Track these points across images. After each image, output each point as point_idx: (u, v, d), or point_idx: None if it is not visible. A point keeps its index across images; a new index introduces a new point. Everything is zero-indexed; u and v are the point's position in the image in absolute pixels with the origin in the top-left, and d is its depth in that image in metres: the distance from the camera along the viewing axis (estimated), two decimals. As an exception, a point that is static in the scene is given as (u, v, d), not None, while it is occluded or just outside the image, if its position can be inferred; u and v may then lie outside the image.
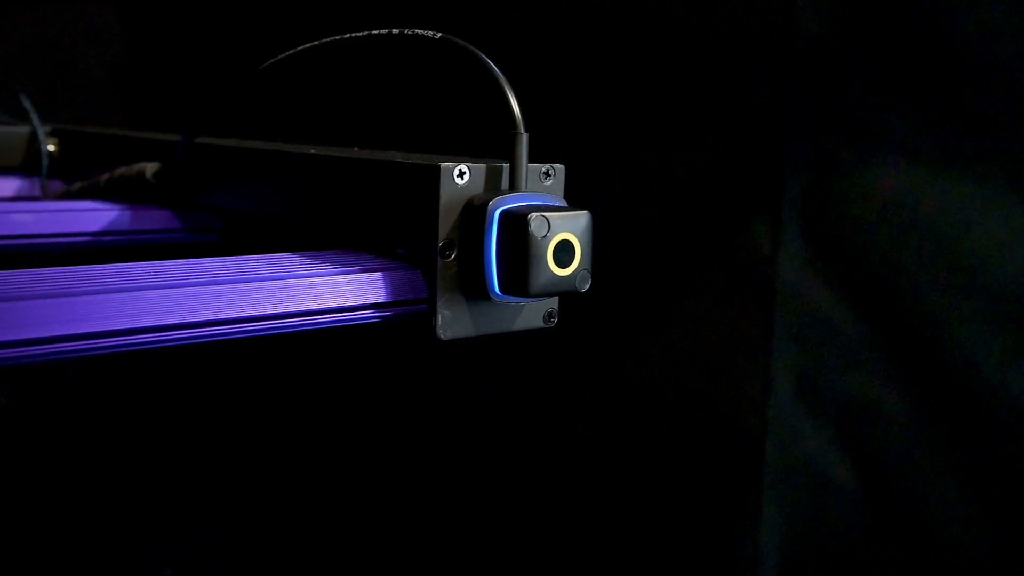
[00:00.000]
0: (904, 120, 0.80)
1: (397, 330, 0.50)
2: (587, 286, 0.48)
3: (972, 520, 0.82)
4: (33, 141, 0.76)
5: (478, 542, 1.08)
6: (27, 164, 0.76)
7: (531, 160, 0.48)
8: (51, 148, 0.75)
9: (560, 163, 0.51)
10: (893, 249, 0.82)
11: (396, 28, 0.50)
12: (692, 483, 0.91)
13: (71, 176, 0.73)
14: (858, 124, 0.81)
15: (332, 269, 0.47)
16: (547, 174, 0.50)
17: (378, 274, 0.47)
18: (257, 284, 0.43)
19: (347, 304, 0.46)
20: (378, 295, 0.47)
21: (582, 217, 0.47)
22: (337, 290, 0.46)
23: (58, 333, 0.38)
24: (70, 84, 1.30)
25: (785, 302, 0.84)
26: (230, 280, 0.43)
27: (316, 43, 0.52)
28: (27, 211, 0.60)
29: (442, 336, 0.48)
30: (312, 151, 0.55)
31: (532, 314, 0.51)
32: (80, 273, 0.42)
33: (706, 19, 0.85)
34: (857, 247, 0.83)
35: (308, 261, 0.48)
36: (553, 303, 0.51)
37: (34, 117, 0.75)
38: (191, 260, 0.45)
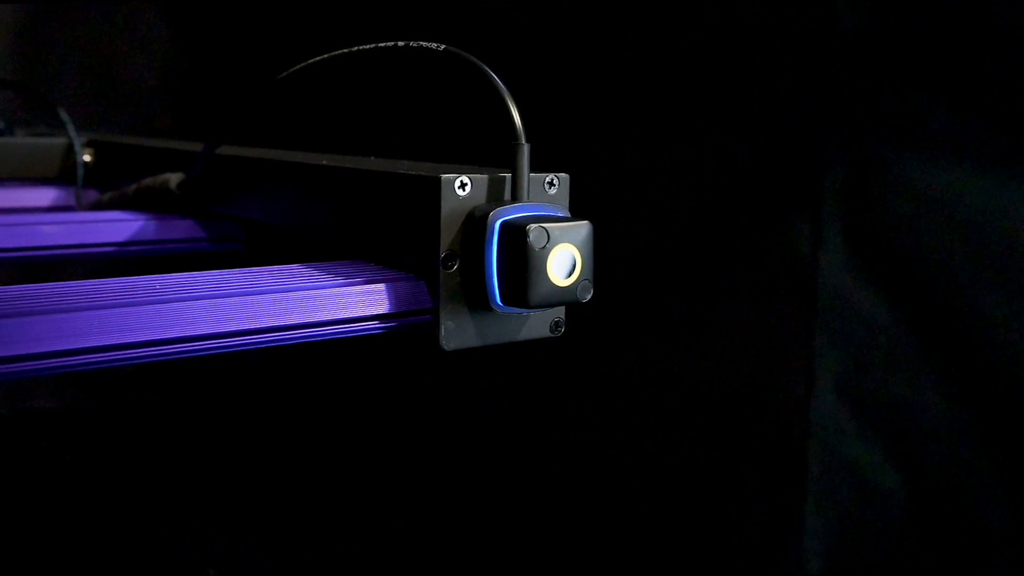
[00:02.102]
0: (946, 117, 0.78)
1: (406, 341, 0.50)
2: (588, 296, 0.47)
3: (1020, 524, 0.80)
4: (69, 152, 0.77)
5: (514, 551, 1.08)
6: (64, 174, 0.78)
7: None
8: (87, 158, 0.77)
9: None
10: (936, 248, 0.80)
11: (402, 41, 0.50)
12: (733, 488, 0.90)
13: (106, 186, 0.74)
14: (899, 121, 0.80)
15: (336, 280, 0.47)
16: (551, 184, 0.50)
17: (382, 285, 0.48)
18: (259, 297, 0.44)
19: (350, 316, 0.47)
20: (382, 306, 0.48)
21: (583, 227, 0.47)
22: (340, 301, 0.46)
23: (56, 348, 0.39)
24: (119, 93, 1.33)
25: (826, 303, 0.84)
26: (231, 294, 0.43)
27: (326, 56, 0.53)
28: (55, 222, 0.61)
29: (445, 347, 0.48)
30: (324, 162, 0.55)
31: (538, 324, 0.50)
32: (83, 288, 0.43)
33: (745, 16, 0.84)
34: (899, 246, 0.82)
35: (313, 272, 0.49)
36: (559, 312, 0.51)
37: (70, 128, 0.76)
38: (192, 273, 0.46)
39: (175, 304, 0.42)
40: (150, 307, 0.41)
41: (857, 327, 0.83)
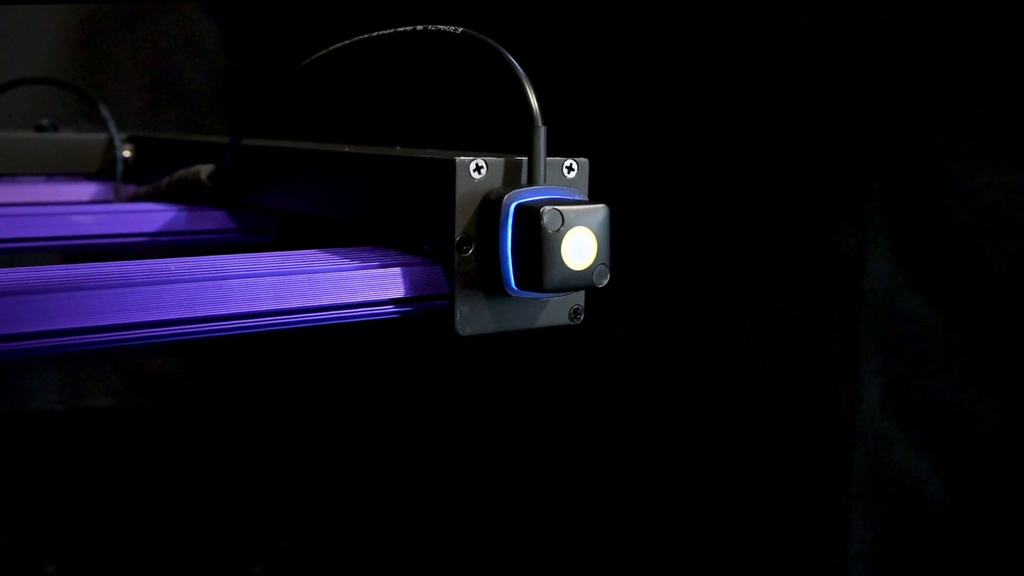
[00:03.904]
0: (995, 118, 0.77)
1: (425, 326, 0.50)
2: (605, 281, 0.47)
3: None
4: (110, 148, 0.79)
5: (550, 551, 1.07)
6: (105, 169, 0.79)
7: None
8: (127, 154, 0.78)
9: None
10: (984, 250, 0.79)
11: (420, 25, 0.50)
12: (777, 495, 0.89)
13: (145, 180, 0.75)
14: (948, 122, 0.79)
15: (350, 264, 0.47)
16: (570, 168, 0.49)
17: (397, 269, 0.48)
18: (259, 280, 0.44)
19: (364, 299, 0.47)
20: (397, 290, 0.47)
21: (599, 211, 0.46)
22: (353, 285, 0.46)
23: (85, 324, 0.40)
24: (172, 94, 1.35)
25: (873, 306, 0.82)
26: (231, 276, 0.43)
27: (346, 42, 0.53)
28: (88, 213, 0.62)
29: (460, 332, 0.47)
30: (346, 149, 0.55)
31: (556, 311, 0.50)
32: (110, 269, 0.43)
33: (791, 17, 0.84)
34: (947, 248, 0.81)
35: (328, 257, 0.49)
36: (579, 299, 0.50)
37: (111, 125, 0.78)
38: (205, 257, 0.46)
39: (190, 285, 0.42)
40: (180, 286, 0.41)
41: (904, 331, 0.82)
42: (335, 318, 0.46)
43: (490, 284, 0.47)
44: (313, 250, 0.50)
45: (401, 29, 0.51)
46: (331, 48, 0.53)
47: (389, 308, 0.47)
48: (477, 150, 0.50)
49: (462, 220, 0.47)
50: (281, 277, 0.44)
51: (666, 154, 0.93)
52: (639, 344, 0.98)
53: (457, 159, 0.46)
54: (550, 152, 0.48)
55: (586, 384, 1.04)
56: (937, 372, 0.83)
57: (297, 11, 1.27)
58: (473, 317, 0.48)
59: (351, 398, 1.33)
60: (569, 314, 0.50)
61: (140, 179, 0.77)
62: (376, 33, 0.52)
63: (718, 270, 0.91)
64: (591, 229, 0.46)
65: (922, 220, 0.81)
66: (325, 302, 0.45)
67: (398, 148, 0.57)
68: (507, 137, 0.51)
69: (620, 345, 1.00)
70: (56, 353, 0.40)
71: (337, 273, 0.46)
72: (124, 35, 1.34)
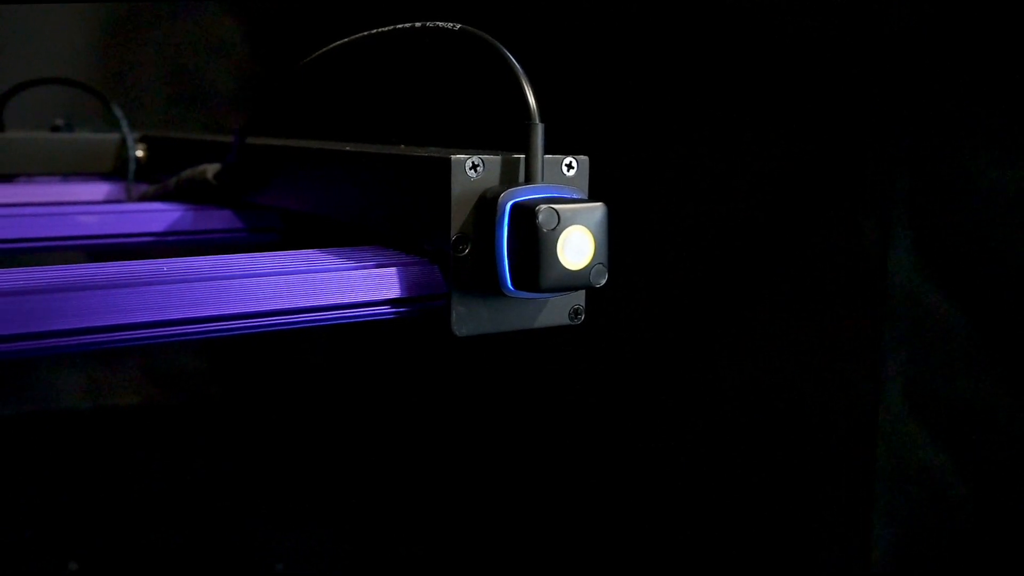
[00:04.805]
0: (1018, 116, 0.76)
1: (421, 325, 0.49)
2: (603, 281, 0.46)
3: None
4: (124, 147, 0.79)
5: (576, 546, 1.07)
6: (118, 169, 0.79)
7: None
8: (139, 153, 0.78)
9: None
10: (1008, 248, 0.78)
11: (418, 22, 0.50)
12: (797, 494, 0.88)
13: (159, 180, 0.75)
14: (970, 120, 0.78)
15: (345, 264, 0.47)
16: (569, 166, 0.48)
17: (392, 269, 0.47)
18: (258, 280, 0.43)
19: (359, 300, 0.46)
20: (393, 290, 0.47)
21: (596, 210, 0.45)
22: (347, 285, 0.46)
23: (80, 326, 0.39)
24: (197, 94, 1.36)
25: (895, 304, 0.82)
26: (232, 276, 0.43)
27: (346, 40, 0.52)
28: (94, 213, 0.62)
29: (457, 332, 0.47)
30: (348, 148, 0.55)
31: (556, 311, 0.49)
32: (107, 270, 0.43)
33: (813, 13, 0.83)
34: (971, 246, 0.79)
35: (325, 257, 0.48)
36: (579, 299, 0.50)
37: (124, 124, 0.78)
38: (201, 257, 0.46)
39: (176, 286, 0.42)
40: (175, 286, 0.41)
41: (927, 329, 0.81)
42: (331, 319, 0.45)
43: (487, 284, 0.46)
44: (310, 250, 0.49)
45: (400, 26, 0.50)
46: (331, 46, 0.53)
47: (386, 308, 0.47)
48: (482, 148, 0.49)
49: (458, 219, 0.46)
50: (275, 277, 0.44)
51: (684, 153, 0.92)
52: (658, 342, 0.97)
53: (453, 157, 0.46)
54: (550, 150, 0.47)
55: (603, 382, 1.04)
56: (959, 371, 0.82)
57: (317, 10, 1.27)
58: (470, 317, 0.47)
59: (371, 396, 1.33)
60: (569, 314, 0.50)
61: (153, 178, 0.77)
62: (375, 30, 0.51)
63: (739, 268, 0.90)
64: (588, 228, 0.45)
65: (945, 218, 0.80)
66: (320, 302, 0.45)
67: (401, 146, 0.57)
68: (511, 134, 0.50)
69: (639, 343, 0.99)
70: (48, 354, 0.40)
71: (332, 273, 0.45)
72: (147, 35, 1.34)
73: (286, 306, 0.44)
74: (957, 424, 0.82)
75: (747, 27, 0.87)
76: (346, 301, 0.45)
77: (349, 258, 0.48)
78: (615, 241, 0.46)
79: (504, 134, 0.50)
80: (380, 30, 0.51)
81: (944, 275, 0.81)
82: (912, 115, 0.78)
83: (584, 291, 0.49)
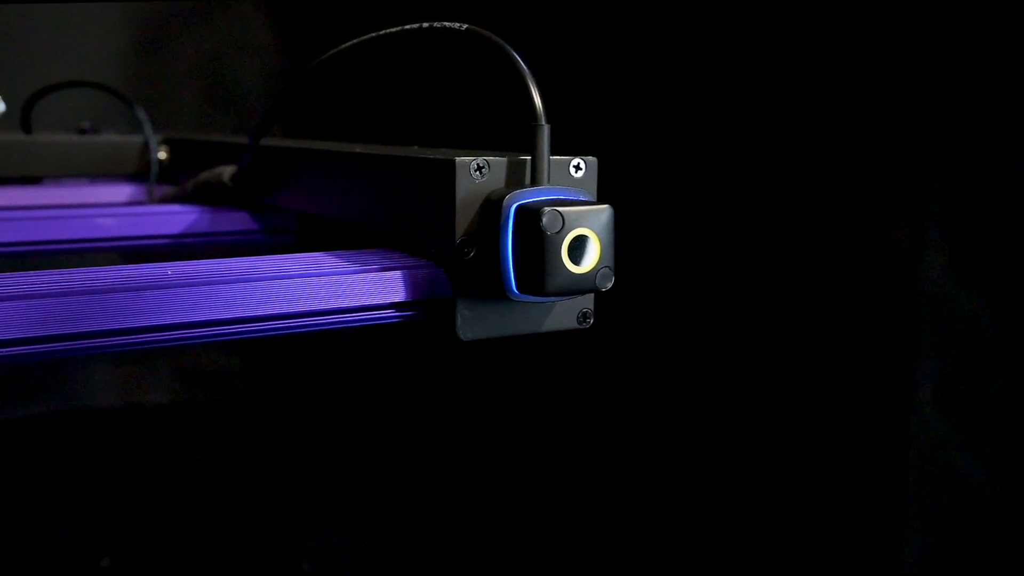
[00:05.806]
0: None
1: (427, 329, 0.49)
2: (609, 284, 0.45)
3: None
4: (147, 150, 0.79)
5: (592, 547, 1.06)
6: (141, 171, 0.80)
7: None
8: (162, 155, 0.79)
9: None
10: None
11: (426, 23, 0.49)
12: (830, 497, 0.87)
13: (179, 182, 0.76)
14: (1004, 119, 0.76)
15: (352, 268, 0.46)
16: (577, 168, 0.48)
17: (397, 273, 0.47)
18: (260, 284, 0.43)
19: (364, 303, 0.46)
20: (398, 294, 0.46)
21: (602, 212, 0.44)
22: (355, 289, 0.45)
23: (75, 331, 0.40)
24: (227, 96, 1.37)
25: (928, 306, 0.80)
26: (231, 280, 0.43)
27: (356, 41, 0.52)
28: (111, 215, 0.62)
29: (462, 336, 0.46)
30: (358, 149, 0.55)
31: (564, 315, 0.48)
32: (109, 274, 0.43)
33: (814, 17, 0.82)
34: (1005, 248, 0.78)
35: (329, 260, 0.48)
36: (588, 302, 0.49)
37: (147, 127, 0.78)
38: (204, 261, 0.46)
39: (175, 291, 0.42)
40: (176, 291, 0.41)
41: (960, 331, 0.80)
42: (333, 323, 0.45)
43: (492, 288, 0.46)
44: (317, 252, 0.49)
45: (407, 27, 0.50)
46: (340, 47, 0.53)
47: (390, 312, 0.46)
48: (490, 149, 0.49)
49: (464, 222, 0.45)
50: (279, 281, 0.44)
51: (714, 152, 0.91)
52: (686, 342, 0.96)
53: (457, 159, 0.45)
54: (558, 151, 0.47)
55: (629, 383, 1.03)
56: (992, 373, 0.80)
57: (346, 11, 1.27)
58: (475, 321, 0.46)
59: (393, 398, 1.33)
60: (578, 318, 0.49)
61: (176, 180, 0.77)
62: (383, 32, 0.51)
63: (770, 268, 0.89)
64: (594, 231, 0.44)
65: (978, 218, 0.78)
66: (324, 306, 0.45)
67: (415, 148, 0.56)
68: (521, 136, 0.50)
69: (668, 342, 0.98)
70: (49, 359, 0.40)
71: (337, 277, 0.45)
72: (177, 37, 1.35)
73: (284, 311, 0.44)
74: (990, 428, 0.81)
75: (771, 24, 0.86)
76: (349, 305, 0.45)
77: (353, 261, 0.48)
78: (624, 243, 0.45)
79: (514, 134, 0.50)
80: (388, 31, 0.51)
81: (976, 276, 0.79)
82: (946, 113, 0.77)
83: (592, 294, 0.48)
